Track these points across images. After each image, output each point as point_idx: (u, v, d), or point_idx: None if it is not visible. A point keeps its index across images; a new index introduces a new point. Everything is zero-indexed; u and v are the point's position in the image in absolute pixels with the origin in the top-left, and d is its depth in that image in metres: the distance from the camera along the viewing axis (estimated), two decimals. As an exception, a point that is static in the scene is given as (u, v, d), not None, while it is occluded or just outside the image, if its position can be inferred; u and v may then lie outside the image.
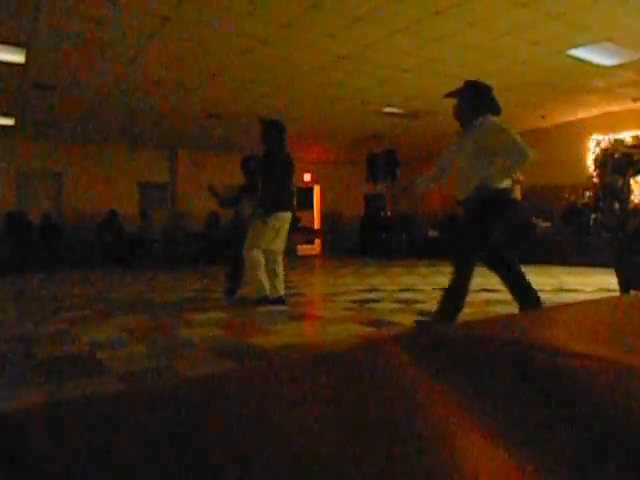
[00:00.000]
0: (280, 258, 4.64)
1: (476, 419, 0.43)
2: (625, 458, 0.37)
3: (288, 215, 4.57)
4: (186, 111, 9.23)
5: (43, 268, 9.55)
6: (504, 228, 3.33)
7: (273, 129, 4.63)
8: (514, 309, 4.14)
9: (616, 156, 9.24)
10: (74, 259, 10.34)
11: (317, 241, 14.96)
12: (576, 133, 10.49)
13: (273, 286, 4.54)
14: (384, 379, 0.53)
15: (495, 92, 3.37)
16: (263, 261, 4.50)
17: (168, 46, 6.12)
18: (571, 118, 10.47)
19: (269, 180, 4.49)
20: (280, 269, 4.61)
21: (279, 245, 4.62)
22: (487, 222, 3.16)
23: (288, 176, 4.62)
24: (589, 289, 5.36)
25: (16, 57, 6.23)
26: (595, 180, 9.95)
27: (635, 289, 3.83)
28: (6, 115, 9.00)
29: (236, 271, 4.96)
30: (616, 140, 9.72)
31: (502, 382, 0.50)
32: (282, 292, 4.59)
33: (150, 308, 4.63)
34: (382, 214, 12.46)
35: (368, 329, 3.42)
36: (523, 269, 3.30)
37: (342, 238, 14.33)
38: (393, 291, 5.53)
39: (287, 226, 4.61)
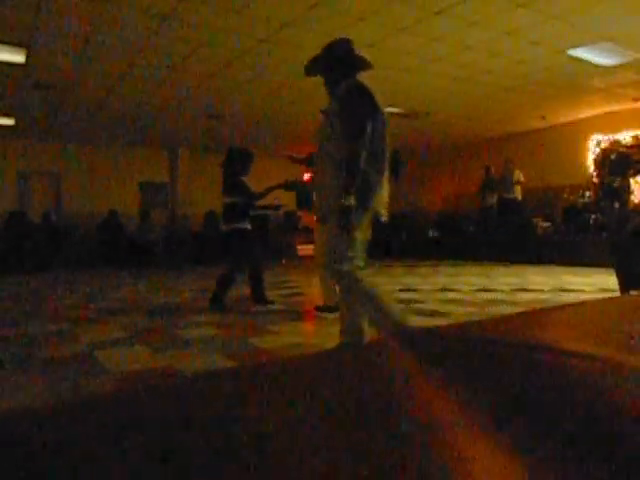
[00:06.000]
0: None
1: (476, 419, 0.43)
2: (625, 458, 0.37)
3: None
4: (186, 111, 9.23)
5: (43, 268, 9.55)
6: None
7: None
8: (514, 309, 4.14)
9: (615, 156, 9.24)
10: (74, 259, 10.34)
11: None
12: (576, 133, 10.49)
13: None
14: (384, 379, 0.53)
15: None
16: None
17: (168, 46, 6.12)
18: (571, 118, 10.47)
19: None
20: None
21: None
22: None
23: None
24: (589, 289, 5.35)
25: (16, 57, 6.23)
26: (595, 180, 9.95)
27: (635, 289, 3.83)
28: (6, 115, 9.00)
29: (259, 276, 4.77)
30: (616, 140, 9.73)
31: (502, 382, 0.50)
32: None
33: (150, 308, 4.63)
34: (382, 214, 12.44)
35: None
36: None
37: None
38: (393, 291, 5.53)
39: None
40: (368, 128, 2.40)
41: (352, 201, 2.35)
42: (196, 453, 0.38)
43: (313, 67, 2.81)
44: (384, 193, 2.58)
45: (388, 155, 2.62)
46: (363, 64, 2.71)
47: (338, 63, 2.66)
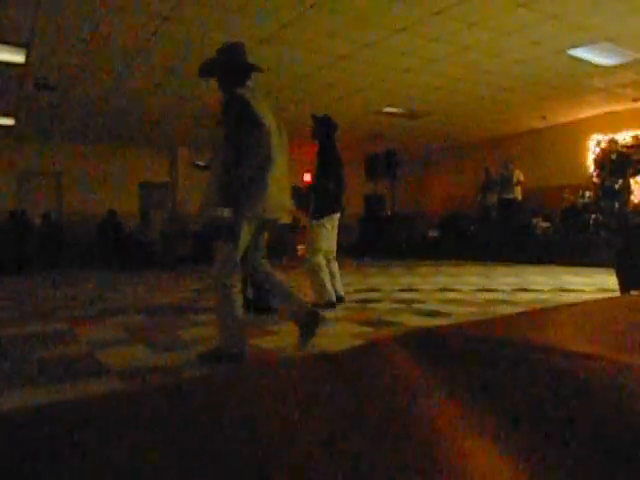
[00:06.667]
0: (333, 258, 4.61)
1: (476, 418, 0.43)
2: (625, 456, 0.37)
3: (338, 215, 4.50)
4: (186, 111, 9.23)
5: (43, 268, 9.55)
6: None
7: (324, 126, 4.44)
8: (514, 309, 4.14)
9: (615, 156, 9.24)
10: (74, 259, 10.34)
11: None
12: (576, 133, 10.50)
13: (332, 286, 4.47)
14: (384, 379, 0.53)
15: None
16: (325, 264, 4.41)
17: (168, 46, 6.13)
18: (571, 118, 10.48)
19: (325, 179, 4.33)
20: (336, 269, 4.58)
21: (333, 246, 4.57)
22: None
23: (340, 174, 4.48)
24: (589, 289, 5.35)
25: (16, 57, 6.23)
26: (595, 180, 9.95)
27: (635, 289, 3.83)
28: (6, 115, 9.01)
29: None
30: (612, 139, 9.74)
31: (501, 382, 0.50)
32: (341, 291, 4.56)
33: (150, 308, 4.63)
34: (382, 214, 12.45)
35: (368, 329, 3.42)
36: None
37: (342, 238, 14.31)
38: (393, 291, 5.53)
39: (336, 224, 4.55)
40: (245, 141, 2.44)
41: (226, 213, 2.36)
42: (196, 452, 0.38)
43: (207, 70, 2.80)
44: (279, 199, 2.60)
45: (285, 161, 2.69)
46: (254, 69, 2.72)
47: (230, 68, 2.66)
